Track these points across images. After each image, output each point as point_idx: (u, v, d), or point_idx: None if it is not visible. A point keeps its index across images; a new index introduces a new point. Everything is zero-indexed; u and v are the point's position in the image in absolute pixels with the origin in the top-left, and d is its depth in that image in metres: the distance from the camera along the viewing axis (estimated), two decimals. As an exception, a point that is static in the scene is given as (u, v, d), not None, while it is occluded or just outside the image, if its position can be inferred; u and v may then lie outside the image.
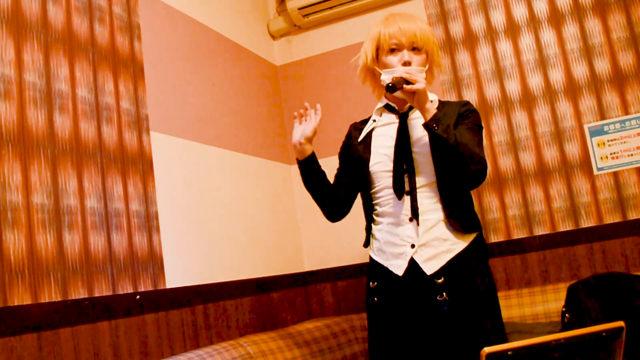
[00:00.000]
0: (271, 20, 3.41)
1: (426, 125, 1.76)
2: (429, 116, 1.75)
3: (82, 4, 2.06)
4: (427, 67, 1.92)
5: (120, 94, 2.15)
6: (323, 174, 2.04)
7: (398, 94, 1.81)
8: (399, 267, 1.83)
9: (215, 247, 2.52)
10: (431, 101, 1.89)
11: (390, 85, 1.74)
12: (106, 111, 2.07)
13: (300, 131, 1.99)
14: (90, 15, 2.10)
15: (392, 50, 1.88)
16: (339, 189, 2.05)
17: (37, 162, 1.78)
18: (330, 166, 3.33)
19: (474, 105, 1.95)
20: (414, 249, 1.81)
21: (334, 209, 2.06)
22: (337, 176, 2.09)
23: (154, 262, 2.14)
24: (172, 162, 2.36)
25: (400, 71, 1.80)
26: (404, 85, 1.74)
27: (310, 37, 3.40)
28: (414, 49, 1.87)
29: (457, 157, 1.73)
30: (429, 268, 1.79)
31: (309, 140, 1.99)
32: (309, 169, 2.00)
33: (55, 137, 1.86)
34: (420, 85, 1.73)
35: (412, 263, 1.81)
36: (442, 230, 1.81)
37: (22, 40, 1.81)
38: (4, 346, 1.55)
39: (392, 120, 1.95)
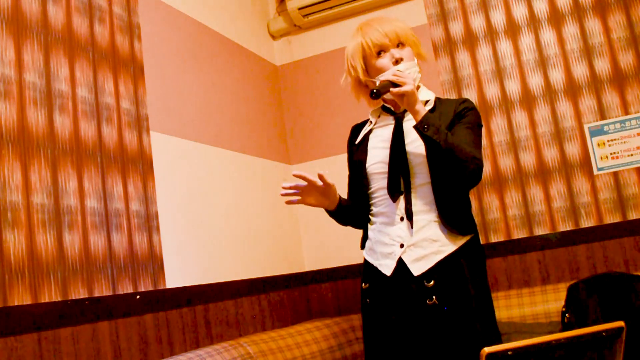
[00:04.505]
0: (271, 20, 3.41)
1: (416, 128, 1.74)
2: (419, 118, 1.73)
3: (82, 4, 2.06)
4: (416, 60, 1.91)
5: (120, 94, 2.15)
6: (349, 205, 1.99)
7: (388, 96, 1.80)
8: (387, 267, 1.83)
9: (215, 247, 2.51)
10: (427, 101, 1.89)
11: (374, 91, 1.70)
12: (106, 111, 2.07)
13: (313, 197, 1.90)
14: (90, 15, 2.10)
15: (379, 54, 1.88)
16: (356, 199, 2.02)
17: (37, 162, 1.78)
18: (331, 166, 3.33)
19: (474, 103, 1.94)
20: (403, 249, 1.80)
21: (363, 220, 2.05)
22: (349, 184, 2.06)
23: (154, 262, 2.14)
24: (172, 162, 2.36)
25: (388, 74, 1.76)
26: (391, 89, 1.72)
27: (310, 37, 3.40)
28: (399, 44, 1.89)
29: (448, 158, 1.72)
30: (417, 269, 1.78)
31: (324, 192, 1.89)
32: (336, 214, 1.98)
33: (55, 137, 1.86)
34: (407, 87, 1.70)
35: (401, 263, 1.81)
36: (433, 231, 1.80)
37: (22, 40, 1.81)
38: (4, 346, 1.55)
39: (389, 121, 1.95)
